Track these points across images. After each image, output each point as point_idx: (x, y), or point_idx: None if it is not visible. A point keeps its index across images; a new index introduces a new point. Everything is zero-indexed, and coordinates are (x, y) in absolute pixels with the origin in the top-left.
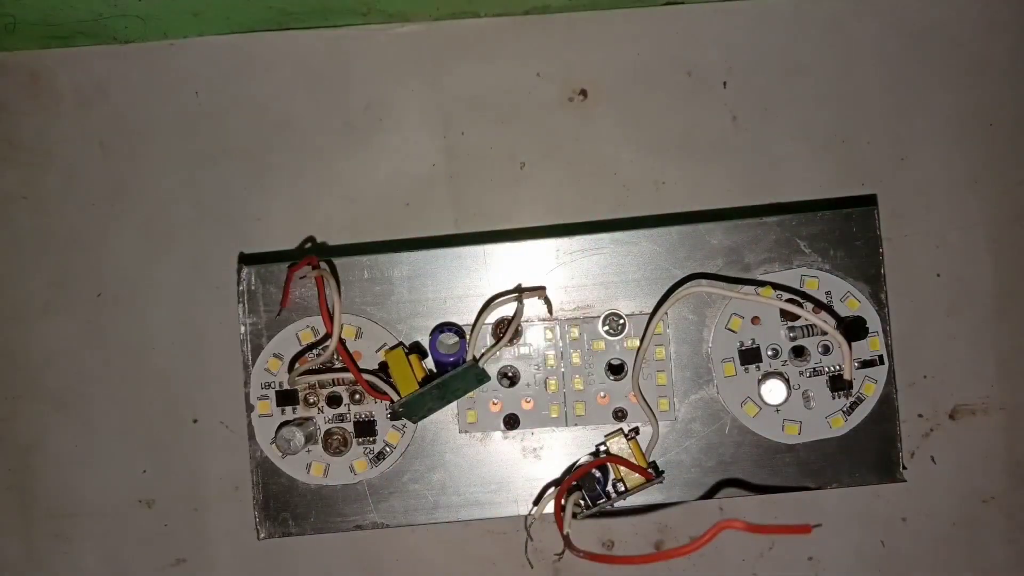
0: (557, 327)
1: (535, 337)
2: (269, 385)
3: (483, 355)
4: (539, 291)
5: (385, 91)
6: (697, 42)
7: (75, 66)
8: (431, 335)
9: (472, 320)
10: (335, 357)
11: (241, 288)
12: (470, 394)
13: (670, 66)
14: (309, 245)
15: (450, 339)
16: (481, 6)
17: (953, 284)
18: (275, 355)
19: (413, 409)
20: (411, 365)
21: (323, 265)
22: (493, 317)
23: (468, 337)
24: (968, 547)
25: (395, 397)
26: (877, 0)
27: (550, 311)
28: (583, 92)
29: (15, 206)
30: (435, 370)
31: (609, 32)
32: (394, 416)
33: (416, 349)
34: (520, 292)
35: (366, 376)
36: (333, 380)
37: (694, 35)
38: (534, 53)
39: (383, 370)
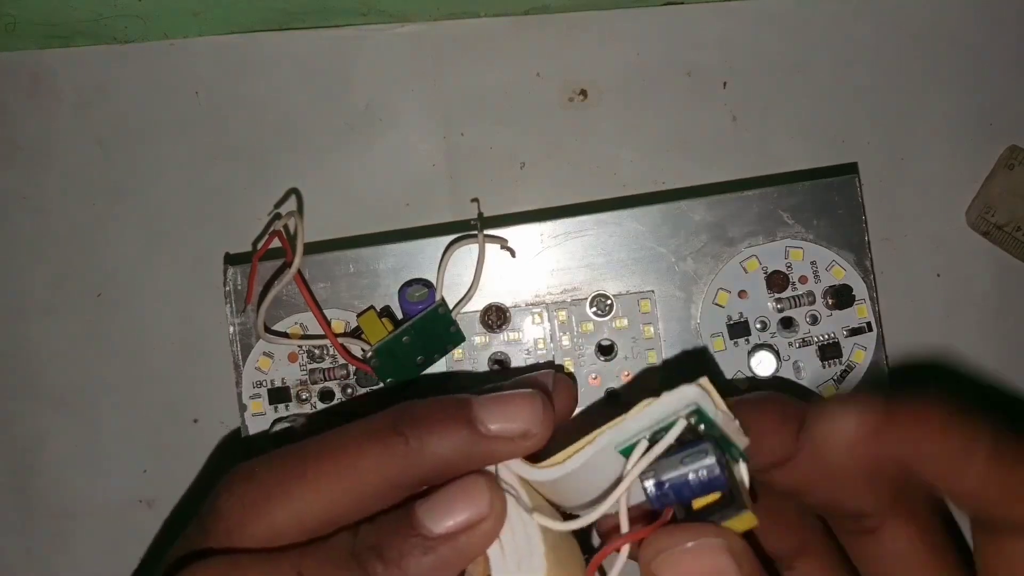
0: (545, 311)
1: (523, 322)
2: (261, 384)
3: (455, 306)
4: (501, 240)
5: (385, 91)
6: (697, 42)
7: (75, 66)
8: (399, 292)
9: (462, 307)
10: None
11: (228, 288)
12: (458, 352)
13: (670, 66)
14: (276, 223)
15: (418, 290)
16: (481, 6)
17: (953, 284)
18: (265, 353)
19: (389, 361)
20: (384, 325)
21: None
22: (454, 261)
23: (436, 285)
24: (966, 545)
25: (367, 347)
26: (877, 0)
27: (513, 255)
28: (583, 92)
29: (15, 206)
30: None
31: (609, 32)
32: (371, 367)
33: (388, 315)
34: (481, 235)
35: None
36: (307, 349)
37: (694, 35)
38: (534, 53)
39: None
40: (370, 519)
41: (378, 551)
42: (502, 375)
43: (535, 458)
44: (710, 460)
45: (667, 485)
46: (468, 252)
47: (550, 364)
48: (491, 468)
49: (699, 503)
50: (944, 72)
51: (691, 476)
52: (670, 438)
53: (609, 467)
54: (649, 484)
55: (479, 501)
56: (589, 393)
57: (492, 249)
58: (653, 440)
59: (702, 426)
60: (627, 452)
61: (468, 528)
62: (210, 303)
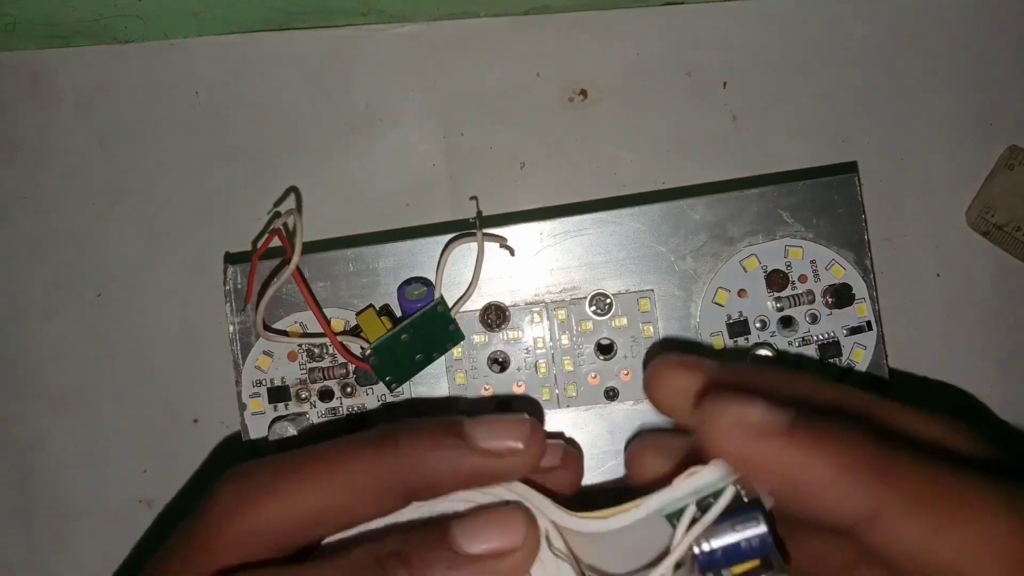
0: (544, 310)
1: (523, 321)
2: (260, 383)
3: (454, 304)
4: (500, 239)
5: (385, 91)
6: (697, 42)
7: (75, 66)
8: (398, 291)
9: (460, 307)
10: (321, 352)
11: (227, 287)
12: (457, 351)
13: (670, 66)
14: (275, 222)
15: (417, 289)
16: (481, 6)
17: (953, 284)
18: (265, 352)
19: (388, 359)
20: (383, 324)
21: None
22: (454, 260)
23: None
24: None
25: (367, 345)
26: (877, 0)
27: (512, 254)
28: (583, 92)
29: (15, 206)
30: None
31: (609, 32)
32: (370, 365)
33: (388, 313)
34: (480, 234)
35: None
36: (307, 348)
37: (694, 35)
38: (534, 53)
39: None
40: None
41: (405, 558)
42: (502, 389)
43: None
44: (762, 529)
45: (719, 552)
46: (467, 251)
47: (532, 408)
48: (537, 516)
49: (738, 569)
50: (944, 72)
51: (743, 543)
52: (721, 505)
53: (653, 531)
54: (701, 550)
55: (514, 532)
56: (589, 393)
57: (491, 248)
58: (701, 507)
59: (743, 491)
60: (671, 516)
61: (499, 555)
62: (210, 303)
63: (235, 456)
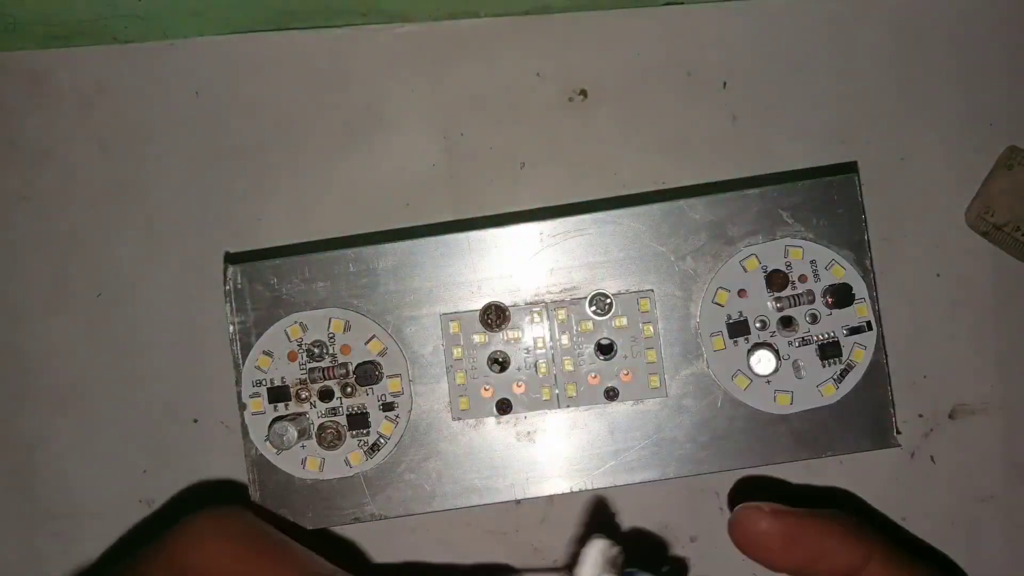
0: (544, 310)
1: (523, 321)
2: (260, 383)
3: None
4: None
5: (385, 91)
6: (697, 42)
7: (75, 66)
8: None
9: (462, 306)
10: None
11: (228, 287)
12: (457, 351)
13: (670, 66)
14: None
15: None
16: (481, 6)
17: (953, 284)
18: (265, 352)
19: None
20: None
21: None
22: (452, 261)
23: None
24: (967, 547)
25: None
26: (877, 0)
27: None
28: (583, 92)
29: (15, 206)
30: None
31: (609, 32)
32: None
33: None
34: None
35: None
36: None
37: (694, 35)
38: (534, 53)
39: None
40: None
41: None
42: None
43: None
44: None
45: None
46: (466, 250)
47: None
48: None
49: None
50: (944, 72)
51: None
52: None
53: None
54: None
55: None
56: (589, 392)
57: (491, 247)
58: None
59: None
60: None
61: None
62: (210, 303)
63: (234, 456)
